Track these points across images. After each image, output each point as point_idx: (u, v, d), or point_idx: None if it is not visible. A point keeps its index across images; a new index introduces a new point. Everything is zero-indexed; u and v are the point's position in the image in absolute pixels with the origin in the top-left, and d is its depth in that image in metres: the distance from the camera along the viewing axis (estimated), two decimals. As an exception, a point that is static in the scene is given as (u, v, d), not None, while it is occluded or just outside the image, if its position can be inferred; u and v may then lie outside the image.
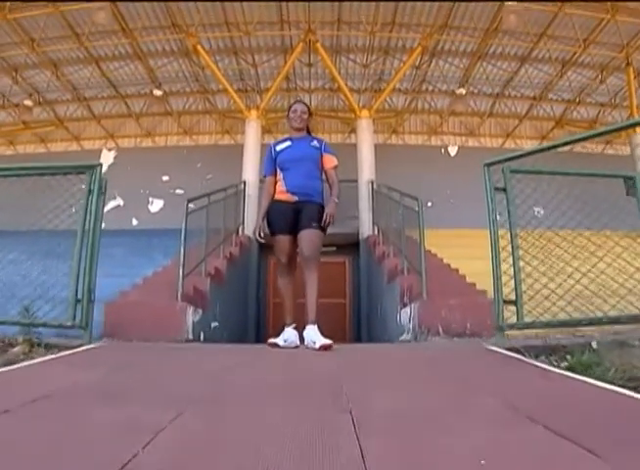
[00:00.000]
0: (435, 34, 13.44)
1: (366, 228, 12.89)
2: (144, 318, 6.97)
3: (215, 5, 12.71)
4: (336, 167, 4.54)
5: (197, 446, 1.55)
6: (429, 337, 6.72)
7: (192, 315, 7.27)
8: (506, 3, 12.30)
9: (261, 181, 4.85)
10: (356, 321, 14.19)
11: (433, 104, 17.66)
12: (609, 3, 12.49)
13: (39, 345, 3.83)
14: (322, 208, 4.33)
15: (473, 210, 16.02)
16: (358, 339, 13.41)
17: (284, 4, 12.71)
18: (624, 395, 2.31)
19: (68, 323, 4.10)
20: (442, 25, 13.36)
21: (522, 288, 4.11)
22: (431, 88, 16.83)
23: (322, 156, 4.51)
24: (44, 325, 4.12)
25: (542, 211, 4.38)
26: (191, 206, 8.13)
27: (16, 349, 3.75)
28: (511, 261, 4.19)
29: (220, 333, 9.00)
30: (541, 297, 4.15)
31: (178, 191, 17.09)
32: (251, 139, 14.00)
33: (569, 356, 3.71)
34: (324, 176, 4.55)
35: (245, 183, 12.96)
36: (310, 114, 4.67)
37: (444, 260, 9.81)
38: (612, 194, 4.71)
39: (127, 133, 18.67)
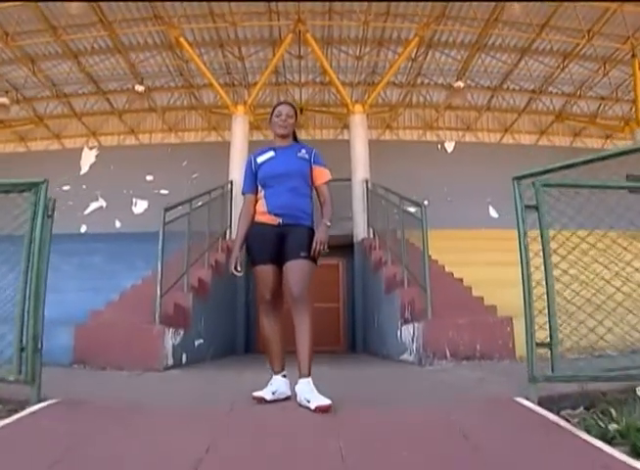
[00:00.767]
0: (432, 24, 12.69)
1: (361, 230, 12.18)
2: (118, 343, 6.30)
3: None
4: (328, 183, 3.79)
5: None
6: (435, 360, 6.09)
7: (172, 338, 6.57)
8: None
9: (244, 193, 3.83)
10: (351, 326, 13.54)
11: (428, 97, 16.93)
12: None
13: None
14: (312, 232, 3.59)
15: (471, 208, 15.68)
16: (353, 347, 12.78)
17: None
18: None
19: (11, 377, 3.34)
20: (440, 15, 12.63)
21: (557, 326, 3.40)
22: (426, 81, 16.13)
23: (312, 169, 3.75)
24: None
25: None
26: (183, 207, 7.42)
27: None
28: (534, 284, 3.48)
29: (206, 349, 8.31)
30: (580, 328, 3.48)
31: (163, 191, 16.38)
32: (238, 136, 13.24)
33: (612, 410, 3.07)
34: (314, 193, 3.80)
35: (231, 183, 12.22)
36: (297, 116, 3.89)
37: (446, 268, 9.06)
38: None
39: (110, 131, 17.84)
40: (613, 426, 2.85)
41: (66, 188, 16.85)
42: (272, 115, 3.81)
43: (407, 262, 7.74)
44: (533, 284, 3.50)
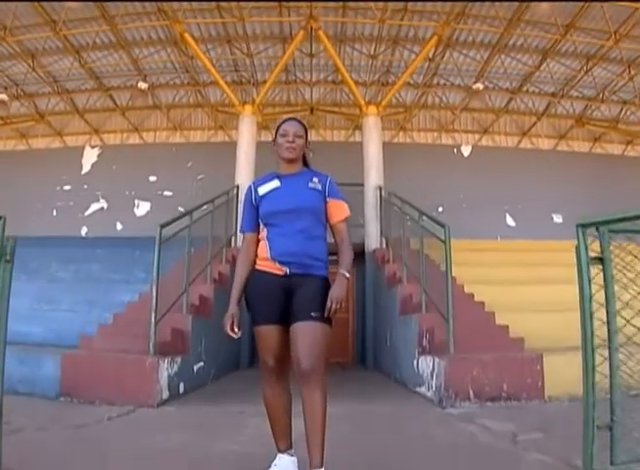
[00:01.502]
0: (452, 23, 11.96)
1: (373, 240, 11.48)
2: (108, 375, 5.71)
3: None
4: (346, 220, 3.10)
5: None
6: (457, 401, 5.46)
7: (167, 369, 5.95)
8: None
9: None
10: (360, 338, 12.92)
11: (445, 99, 16.22)
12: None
13: None
14: (328, 282, 2.93)
15: (488, 216, 14.97)
16: (363, 359, 12.14)
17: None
18: None
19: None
20: (460, 13, 11.89)
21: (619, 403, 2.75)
22: (443, 82, 15.42)
23: (327, 202, 3.06)
24: None
25: None
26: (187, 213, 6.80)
27: None
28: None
29: (207, 372, 7.68)
30: None
31: (166, 193, 15.86)
32: (245, 138, 12.52)
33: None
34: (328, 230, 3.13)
35: (237, 188, 11.53)
36: (307, 135, 3.15)
37: (465, 287, 8.31)
38: None
39: (113, 128, 17.23)
40: None
41: (66, 188, 16.34)
42: (276, 134, 3.11)
43: (425, 283, 7.11)
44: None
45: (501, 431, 4.36)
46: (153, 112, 16.92)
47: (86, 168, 16.62)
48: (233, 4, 11.45)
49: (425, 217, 7.58)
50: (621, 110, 16.30)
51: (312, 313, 2.78)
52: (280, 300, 2.89)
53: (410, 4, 11.72)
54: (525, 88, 15.32)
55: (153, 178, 16.19)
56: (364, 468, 3.35)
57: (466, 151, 16.53)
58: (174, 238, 7.13)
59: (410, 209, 8.54)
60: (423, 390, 6.31)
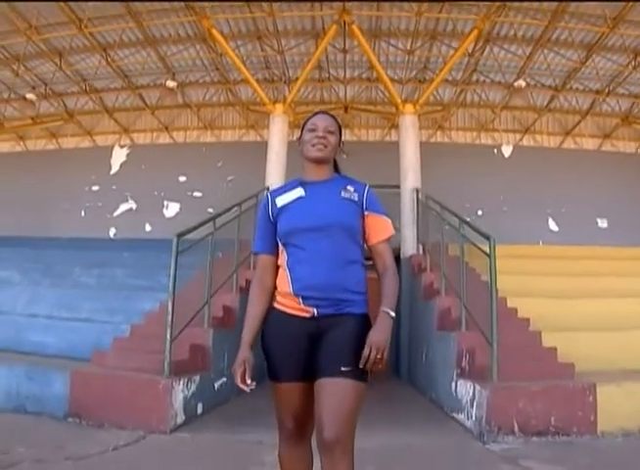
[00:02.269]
0: (493, 16, 11.28)
1: (409, 246, 10.87)
2: (118, 396, 5.28)
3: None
4: (389, 240, 2.48)
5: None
6: (499, 436, 4.89)
7: (183, 390, 5.50)
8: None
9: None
10: (395, 347, 12.30)
11: (484, 96, 15.48)
12: None
13: None
14: (368, 321, 2.31)
15: (529, 220, 14.23)
16: (397, 370, 11.56)
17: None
18: None
19: None
20: (501, 6, 11.21)
21: None
22: (482, 79, 14.70)
23: (365, 217, 2.42)
24: None
25: None
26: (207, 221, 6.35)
27: None
28: None
29: (230, 389, 7.16)
30: None
31: (196, 193, 15.52)
32: (277, 137, 12.05)
33: None
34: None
35: (268, 189, 11.05)
36: (341, 133, 2.53)
37: (508, 301, 7.57)
38: None
39: (143, 127, 16.92)
40: None
41: (95, 188, 16.13)
42: (303, 129, 2.49)
43: (465, 296, 6.52)
44: None
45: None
46: (183, 110, 16.55)
47: (115, 168, 16.37)
48: (263, -2, 10.97)
49: (465, 225, 6.97)
50: (671, 107, 15.43)
51: (342, 368, 2.17)
52: (305, 350, 2.28)
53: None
54: (568, 85, 14.50)
55: (182, 179, 15.85)
56: None
57: (506, 151, 15.75)
58: (202, 242, 6.81)
59: (449, 214, 7.92)
60: (461, 417, 5.74)
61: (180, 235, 5.96)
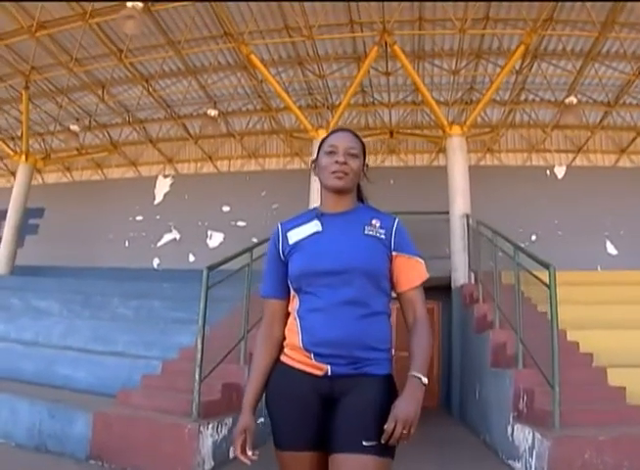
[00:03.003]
0: (539, 30, 10.74)
1: (460, 275, 10.30)
2: (142, 440, 4.93)
3: (271, 6, 10.61)
4: (421, 286, 2.03)
5: None
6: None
7: (212, 435, 5.09)
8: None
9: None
10: (446, 380, 11.71)
11: (534, 115, 14.85)
12: None
13: None
14: (393, 385, 1.93)
15: (586, 244, 13.47)
16: (448, 405, 10.96)
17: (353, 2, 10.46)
18: None
19: None
20: (547, 19, 10.69)
21: None
22: (531, 98, 14.12)
23: (393, 259, 2.00)
24: None
25: None
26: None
27: None
28: None
29: (267, 431, 6.74)
30: None
31: (240, 223, 15.28)
32: (319, 164, 11.73)
33: None
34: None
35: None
36: (365, 155, 2.11)
37: (567, 334, 6.87)
38: None
39: (187, 157, 16.95)
40: None
41: (139, 218, 16.10)
42: (319, 151, 2.09)
43: (521, 330, 5.95)
44: None
45: None
46: (227, 139, 16.46)
47: (159, 198, 16.37)
48: (301, 22, 10.69)
49: (521, 252, 6.41)
50: None
51: (364, 442, 1.76)
52: (316, 414, 1.90)
53: (493, 9, 10.59)
54: (622, 100, 13.77)
55: (226, 208, 15.67)
56: None
57: (559, 172, 15.00)
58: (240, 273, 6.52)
59: (502, 241, 7.37)
60: (518, 466, 5.15)
61: (211, 267, 5.62)
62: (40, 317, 9.34)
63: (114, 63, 12.43)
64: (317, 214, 2.06)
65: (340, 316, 1.87)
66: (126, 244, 15.94)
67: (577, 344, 6.74)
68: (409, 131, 14.92)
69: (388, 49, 11.14)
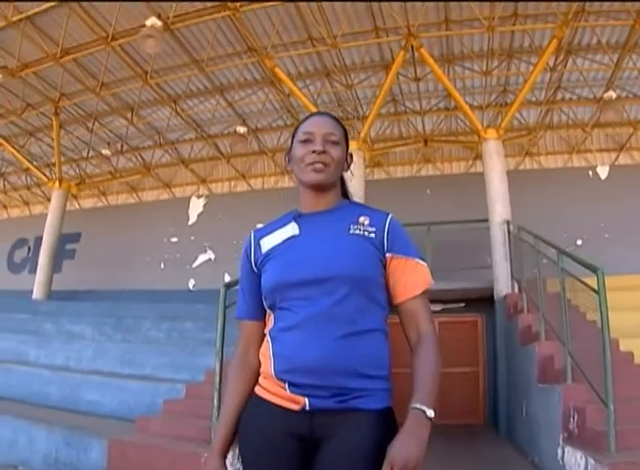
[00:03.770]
0: (571, 22, 10.22)
1: (503, 285, 9.76)
2: (158, 469, 4.58)
3: (293, 18, 10.40)
4: (424, 294, 1.63)
5: None
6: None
7: (233, 463, 4.72)
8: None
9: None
10: (492, 396, 11.14)
11: (572, 115, 14.23)
12: None
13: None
14: (391, 422, 1.53)
15: (636, 246, 12.73)
16: (495, 421, 10.40)
17: (375, 5, 10.13)
18: None
19: None
20: (579, 11, 10.20)
21: None
22: (568, 96, 13.55)
23: (387, 261, 1.63)
24: None
25: None
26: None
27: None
28: None
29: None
30: None
31: (275, 240, 14.99)
32: (353, 176, 11.39)
33: None
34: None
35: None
36: (347, 141, 1.76)
37: (620, 343, 6.39)
38: None
39: (220, 177, 16.94)
40: None
41: (174, 240, 16.05)
42: (293, 139, 1.74)
43: (569, 341, 5.47)
44: None
45: None
46: (259, 157, 16.36)
47: (192, 219, 16.33)
48: (324, 32, 10.42)
49: (566, 257, 5.92)
50: None
51: None
52: (292, 463, 1.53)
53: (520, 4, 10.14)
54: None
55: (260, 226, 15.41)
56: None
57: (603, 173, 14.36)
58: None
59: (545, 246, 6.89)
60: (569, 491, 4.67)
61: (229, 285, 5.34)
62: (71, 341, 9.29)
63: (140, 84, 12.45)
64: (293, 216, 1.72)
65: (318, 336, 1.51)
66: (162, 266, 15.93)
67: (632, 354, 6.22)
68: (444, 138, 14.49)
69: (416, 54, 10.81)
